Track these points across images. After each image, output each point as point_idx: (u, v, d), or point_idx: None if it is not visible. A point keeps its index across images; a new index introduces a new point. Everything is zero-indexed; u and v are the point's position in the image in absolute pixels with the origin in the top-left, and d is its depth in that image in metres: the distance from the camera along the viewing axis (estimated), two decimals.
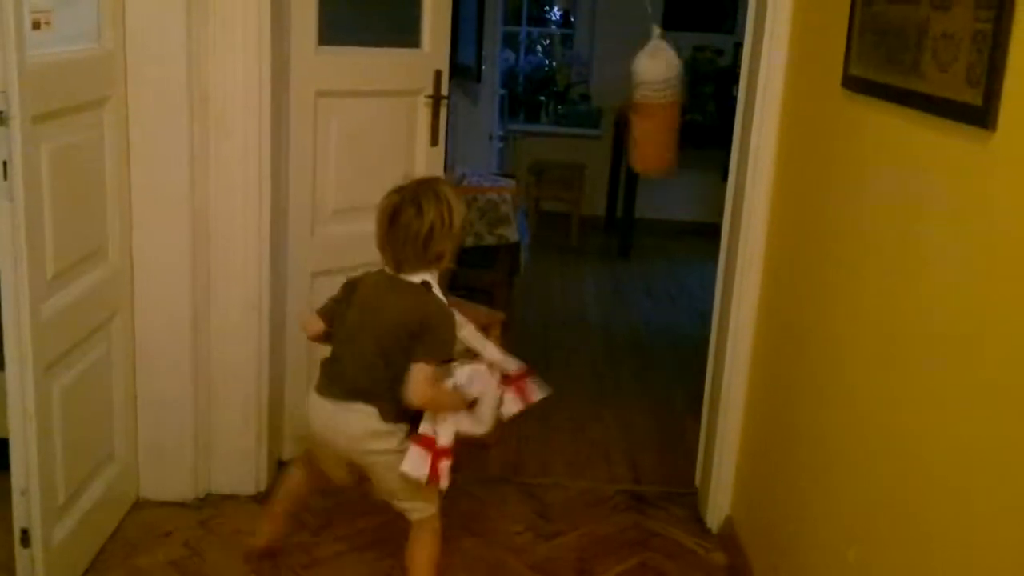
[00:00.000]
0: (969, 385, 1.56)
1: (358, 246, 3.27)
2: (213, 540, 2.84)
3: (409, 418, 2.32)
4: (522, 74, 7.64)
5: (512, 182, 5.12)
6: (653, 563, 2.87)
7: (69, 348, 2.48)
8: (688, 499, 3.22)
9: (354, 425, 2.31)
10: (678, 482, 3.35)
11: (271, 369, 3.05)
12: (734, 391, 2.96)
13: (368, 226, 3.26)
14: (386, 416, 2.29)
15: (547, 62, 7.77)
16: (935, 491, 1.66)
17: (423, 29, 3.34)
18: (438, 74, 3.38)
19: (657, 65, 3.53)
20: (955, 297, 1.63)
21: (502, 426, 2.53)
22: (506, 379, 2.47)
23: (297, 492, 2.61)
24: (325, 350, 2.45)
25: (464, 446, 3.46)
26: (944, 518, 1.62)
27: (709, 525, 3.06)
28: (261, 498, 3.06)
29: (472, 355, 2.44)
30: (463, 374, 2.35)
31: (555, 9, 7.93)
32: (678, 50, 6.66)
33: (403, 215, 2.25)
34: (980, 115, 1.52)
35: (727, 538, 2.95)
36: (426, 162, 3.44)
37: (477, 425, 2.40)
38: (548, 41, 7.90)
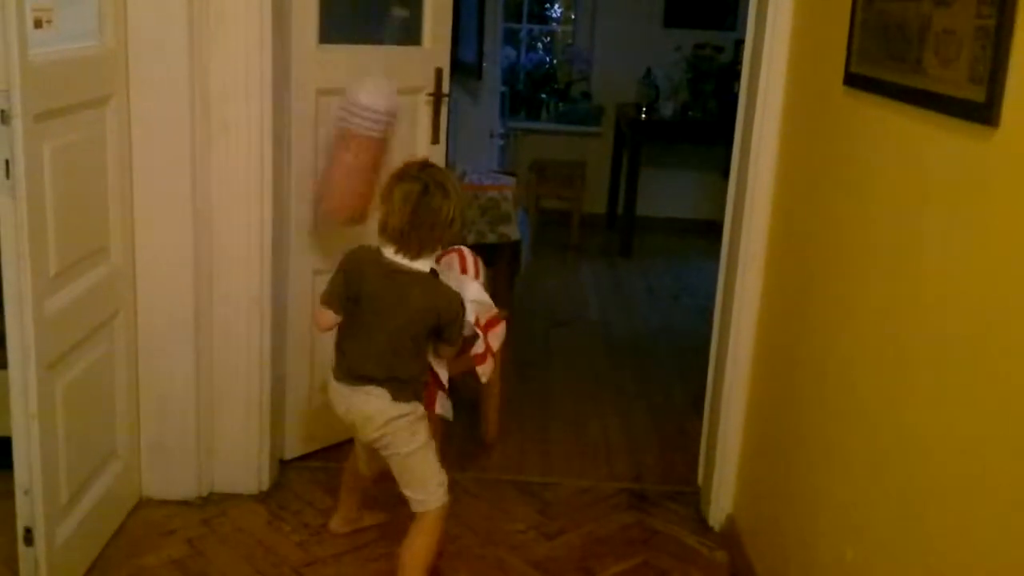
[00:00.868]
0: (972, 383, 1.56)
1: (359, 243, 3.28)
2: (216, 539, 2.84)
3: (419, 397, 2.47)
4: (523, 71, 7.63)
5: (513, 180, 5.12)
6: (655, 562, 2.87)
7: (72, 346, 2.48)
8: (690, 498, 3.22)
9: (370, 405, 2.40)
10: (680, 481, 3.35)
11: (273, 368, 3.05)
12: (736, 389, 2.96)
13: (370, 223, 3.29)
14: (398, 397, 2.39)
15: (548, 59, 7.77)
16: (936, 490, 1.66)
17: (424, 27, 3.34)
18: (439, 72, 3.38)
19: (382, 93, 2.91)
20: (958, 295, 1.63)
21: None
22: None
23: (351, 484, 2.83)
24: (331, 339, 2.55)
25: (465, 446, 3.47)
26: (945, 518, 1.62)
27: (711, 524, 3.06)
28: (264, 497, 3.06)
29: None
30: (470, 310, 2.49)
31: (556, 6, 7.93)
32: (678, 47, 6.72)
33: (433, 199, 2.28)
34: (983, 112, 1.51)
35: (729, 537, 2.95)
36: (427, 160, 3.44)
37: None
38: (549, 38, 7.89)
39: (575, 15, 7.59)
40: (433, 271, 2.38)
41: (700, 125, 6.56)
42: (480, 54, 6.02)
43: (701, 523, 3.08)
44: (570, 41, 7.65)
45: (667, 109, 6.62)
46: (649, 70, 6.66)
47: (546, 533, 2.98)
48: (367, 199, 2.94)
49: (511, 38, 7.61)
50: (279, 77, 2.89)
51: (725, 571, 2.84)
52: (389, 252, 2.36)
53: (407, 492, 2.47)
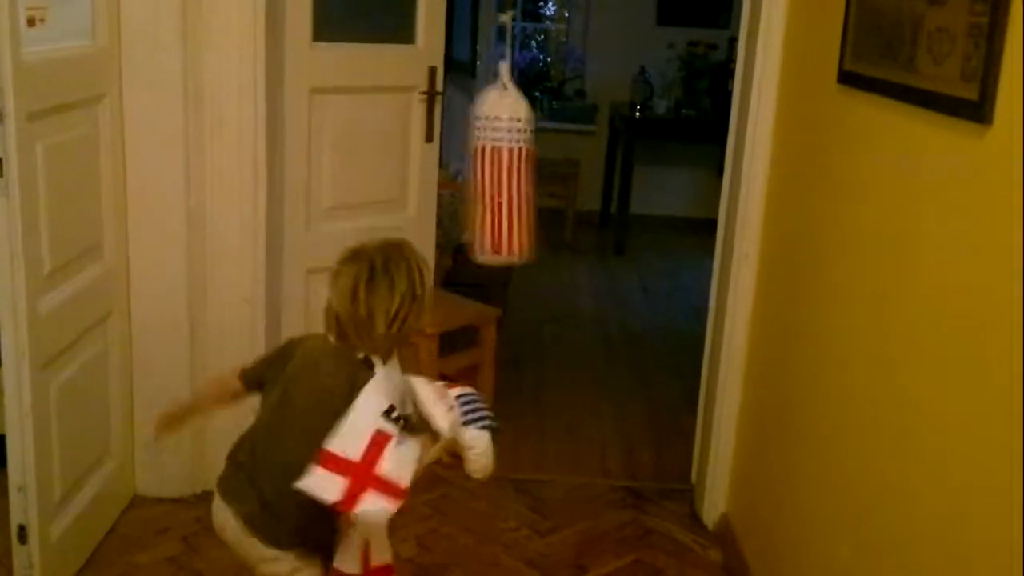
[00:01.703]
0: (967, 380, 1.57)
1: (353, 243, 3.28)
2: (210, 536, 2.83)
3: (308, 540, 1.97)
4: (516, 69, 7.63)
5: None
6: (649, 560, 2.87)
7: (66, 345, 2.48)
8: (684, 495, 3.23)
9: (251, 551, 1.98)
10: (674, 478, 3.35)
11: None
12: (730, 387, 2.96)
13: (363, 222, 3.29)
14: (284, 543, 1.94)
15: (542, 57, 7.77)
16: (931, 489, 1.66)
17: (417, 25, 3.34)
18: (432, 70, 3.38)
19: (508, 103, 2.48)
20: (952, 292, 1.63)
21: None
22: None
23: None
24: None
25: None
26: (939, 516, 1.63)
27: (705, 522, 3.06)
28: None
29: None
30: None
31: (549, 4, 7.92)
32: (671, 45, 6.72)
33: (376, 288, 1.85)
34: (975, 109, 1.52)
35: (723, 535, 2.96)
36: (421, 158, 3.44)
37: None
38: (543, 36, 7.89)
39: (568, 13, 7.59)
40: (367, 359, 1.89)
41: (694, 123, 6.56)
42: (474, 52, 6.01)
43: (695, 521, 3.09)
44: (564, 39, 7.65)
45: (661, 107, 6.63)
46: (643, 68, 6.66)
47: (540, 531, 2.98)
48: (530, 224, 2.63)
49: (504, 35, 7.60)
50: (272, 76, 2.89)
51: (719, 569, 2.85)
52: (331, 336, 1.93)
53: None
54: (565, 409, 3.92)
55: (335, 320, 1.89)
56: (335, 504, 1.75)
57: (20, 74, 2.13)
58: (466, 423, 1.97)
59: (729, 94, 3.07)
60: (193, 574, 2.66)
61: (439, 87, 3.41)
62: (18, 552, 2.37)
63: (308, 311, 3.23)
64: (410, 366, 2.04)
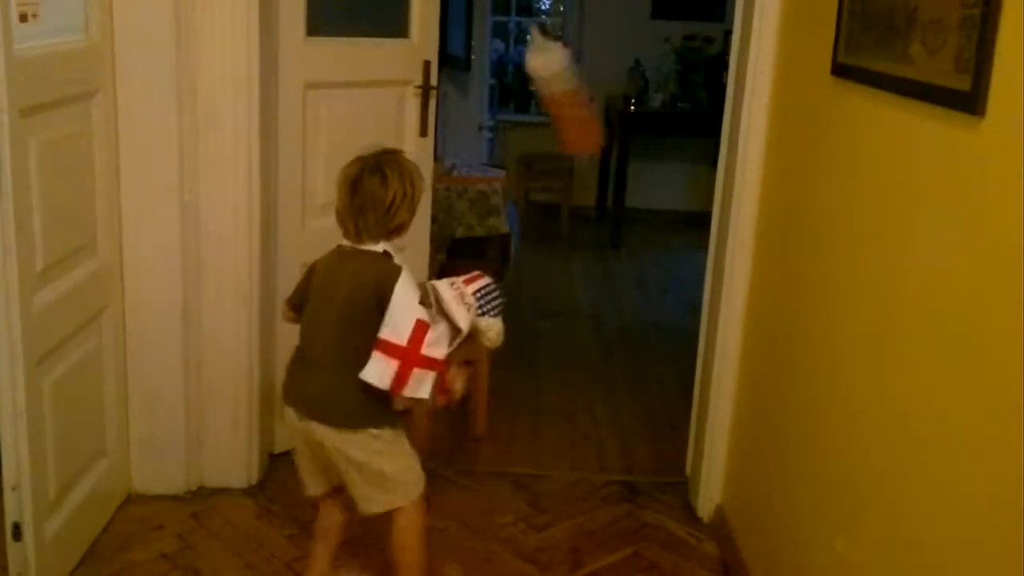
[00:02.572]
0: (960, 373, 1.57)
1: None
2: (206, 533, 2.84)
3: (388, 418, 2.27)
4: (512, 64, 7.62)
5: (502, 173, 5.12)
6: (644, 553, 2.87)
7: (59, 342, 2.47)
8: (679, 488, 3.23)
9: (325, 434, 2.25)
10: (669, 472, 3.35)
11: (262, 362, 3.04)
12: (724, 381, 2.96)
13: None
14: (362, 419, 2.23)
15: None
16: (925, 481, 1.67)
17: (412, 19, 3.33)
18: (427, 64, 3.37)
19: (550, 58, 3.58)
20: (945, 284, 1.63)
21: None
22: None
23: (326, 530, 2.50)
24: None
25: (454, 439, 3.47)
26: (933, 508, 1.63)
27: (700, 514, 3.07)
28: (253, 491, 3.06)
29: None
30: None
31: None
32: (666, 38, 6.72)
33: (367, 183, 2.19)
34: (969, 101, 1.52)
35: (718, 527, 2.96)
36: (416, 153, 3.43)
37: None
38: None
39: (563, 7, 7.57)
40: (386, 252, 2.23)
41: (689, 116, 6.56)
42: (469, 47, 6.01)
43: (690, 513, 3.09)
44: (559, 33, 7.64)
45: (656, 101, 6.62)
46: (638, 62, 6.66)
47: (536, 525, 2.99)
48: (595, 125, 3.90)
49: (500, 30, 7.59)
50: (267, 70, 2.89)
51: (714, 562, 2.85)
52: (345, 242, 2.26)
53: (378, 498, 2.29)
54: (560, 403, 3.92)
55: (336, 215, 2.23)
56: (391, 388, 2.15)
57: (12, 70, 2.12)
58: (483, 313, 2.32)
59: (724, 87, 3.07)
60: (189, 571, 2.66)
61: (434, 81, 3.40)
62: (13, 550, 2.37)
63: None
64: None
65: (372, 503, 2.31)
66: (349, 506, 2.40)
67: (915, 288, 1.74)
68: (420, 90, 3.37)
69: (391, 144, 3.30)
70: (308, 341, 2.30)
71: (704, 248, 3.18)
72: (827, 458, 2.14)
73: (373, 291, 2.18)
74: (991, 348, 1.46)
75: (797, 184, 2.51)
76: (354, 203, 2.20)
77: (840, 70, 2.17)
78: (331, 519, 2.47)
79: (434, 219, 3.75)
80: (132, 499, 2.97)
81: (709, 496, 3.04)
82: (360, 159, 2.24)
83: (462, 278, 2.34)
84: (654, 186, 7.09)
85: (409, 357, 2.14)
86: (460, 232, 4.68)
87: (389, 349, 2.15)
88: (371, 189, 2.19)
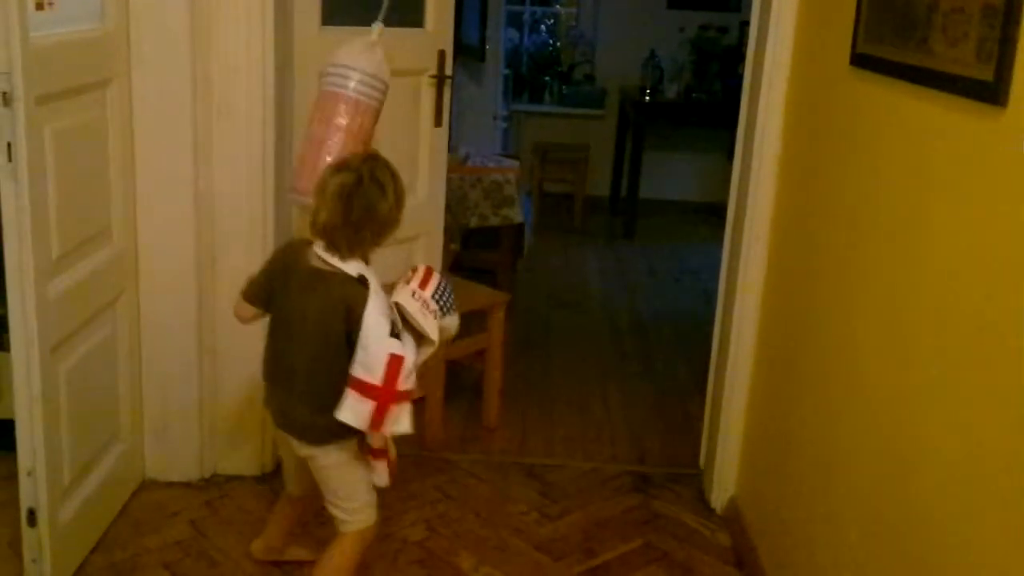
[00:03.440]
0: (978, 364, 1.56)
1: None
2: (219, 520, 2.85)
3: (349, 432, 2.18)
4: (526, 54, 7.60)
5: (516, 163, 5.11)
6: (657, 544, 2.87)
7: (74, 329, 2.48)
8: (692, 480, 3.23)
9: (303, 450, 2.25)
10: (682, 463, 3.35)
11: None
12: (739, 372, 2.95)
13: None
14: (330, 437, 2.18)
15: (552, 41, 7.74)
16: (941, 472, 1.66)
17: (426, 9, 3.33)
18: (442, 54, 3.36)
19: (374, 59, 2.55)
20: (964, 275, 1.62)
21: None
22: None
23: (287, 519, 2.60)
24: None
25: (467, 429, 3.47)
26: (949, 500, 1.62)
27: (713, 506, 3.06)
28: (267, 479, 3.07)
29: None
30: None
31: None
32: (682, 28, 6.70)
33: (367, 194, 2.05)
34: (990, 91, 1.50)
35: (731, 519, 2.96)
36: (430, 142, 3.43)
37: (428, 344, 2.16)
38: (552, 20, 7.85)
39: None
40: (361, 278, 2.10)
41: (704, 107, 6.53)
42: (483, 36, 5.99)
43: (704, 505, 3.09)
44: (574, 23, 7.61)
45: (671, 91, 6.60)
46: (653, 52, 6.63)
47: (548, 515, 2.99)
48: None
49: (514, 20, 7.57)
50: (281, 60, 2.88)
51: (728, 553, 2.85)
52: (319, 249, 2.12)
53: (338, 510, 2.28)
54: (574, 393, 3.92)
55: (322, 229, 2.08)
56: (368, 428, 2.08)
57: (28, 58, 2.12)
58: (444, 315, 2.17)
59: (740, 78, 3.05)
60: (202, 557, 2.67)
61: (448, 71, 3.40)
62: (28, 535, 2.38)
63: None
64: None
65: (333, 508, 2.29)
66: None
67: (934, 279, 1.73)
68: (435, 79, 3.37)
69: (405, 134, 3.34)
70: (279, 362, 2.22)
71: (718, 239, 3.17)
72: (841, 450, 2.13)
73: (343, 318, 2.08)
74: (1011, 339, 1.45)
75: (814, 175, 2.50)
76: (350, 217, 2.05)
77: (859, 60, 2.16)
78: (291, 507, 2.56)
79: (448, 209, 3.74)
80: (146, 485, 2.98)
81: (723, 487, 3.03)
82: (348, 168, 2.09)
83: (416, 281, 2.17)
84: (668, 177, 7.07)
85: (385, 395, 2.04)
86: (474, 222, 4.68)
87: (364, 389, 2.04)
88: (371, 202, 2.06)
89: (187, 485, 3.00)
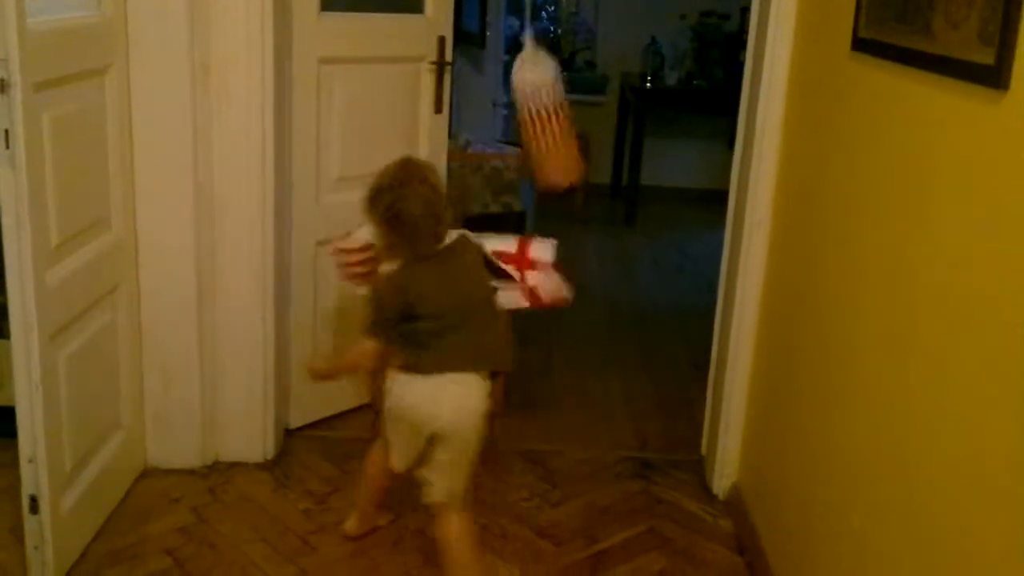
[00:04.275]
0: (979, 351, 1.55)
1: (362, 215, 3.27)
2: (221, 507, 2.85)
3: None
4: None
5: (517, 150, 5.09)
6: (659, 530, 2.87)
7: (74, 317, 2.48)
8: (694, 466, 3.23)
9: (472, 398, 2.33)
10: (684, 449, 3.35)
11: (276, 337, 3.05)
12: (740, 359, 2.95)
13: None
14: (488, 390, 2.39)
15: (552, 28, 7.70)
16: (941, 458, 1.65)
17: None
18: (442, 40, 3.35)
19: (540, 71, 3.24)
20: (967, 261, 1.61)
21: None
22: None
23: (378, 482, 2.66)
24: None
25: None
26: (949, 487, 1.62)
27: (715, 492, 3.06)
28: (269, 465, 3.07)
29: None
30: None
31: None
32: (683, 15, 6.67)
33: (422, 193, 2.25)
34: (992, 75, 1.49)
35: (733, 505, 2.96)
36: (430, 129, 3.43)
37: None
38: (553, 7, 7.82)
39: None
40: (463, 234, 2.41)
41: (705, 94, 6.51)
42: (483, 23, 5.97)
43: (705, 491, 3.09)
44: (574, 10, 7.58)
45: (672, 78, 6.58)
46: (654, 39, 6.61)
47: (550, 501, 2.99)
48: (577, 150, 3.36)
49: (514, 7, 7.54)
50: (280, 46, 2.87)
51: (730, 539, 2.85)
52: (425, 252, 2.30)
53: (452, 485, 2.38)
54: (575, 380, 3.91)
55: (412, 233, 2.26)
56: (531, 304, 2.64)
57: (25, 44, 2.11)
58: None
59: (741, 65, 3.04)
60: (204, 544, 2.67)
61: (448, 57, 3.38)
62: (29, 523, 2.38)
63: (317, 282, 3.23)
64: None
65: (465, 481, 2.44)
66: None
67: (936, 265, 1.73)
68: (435, 66, 3.35)
69: (405, 120, 3.33)
70: (466, 345, 2.32)
71: (719, 226, 3.16)
72: (843, 436, 2.13)
73: (483, 262, 2.45)
74: (1012, 325, 1.44)
75: (816, 161, 2.49)
76: (427, 214, 2.25)
77: (860, 45, 2.14)
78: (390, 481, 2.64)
79: (449, 197, 3.73)
80: (148, 473, 2.98)
81: (725, 474, 3.03)
82: (391, 184, 2.26)
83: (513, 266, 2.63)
84: (669, 164, 7.05)
85: (521, 263, 2.59)
86: (475, 209, 4.66)
87: (503, 258, 2.57)
88: (428, 195, 2.26)
89: (189, 472, 3.00)
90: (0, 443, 2.66)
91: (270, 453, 3.10)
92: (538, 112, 3.19)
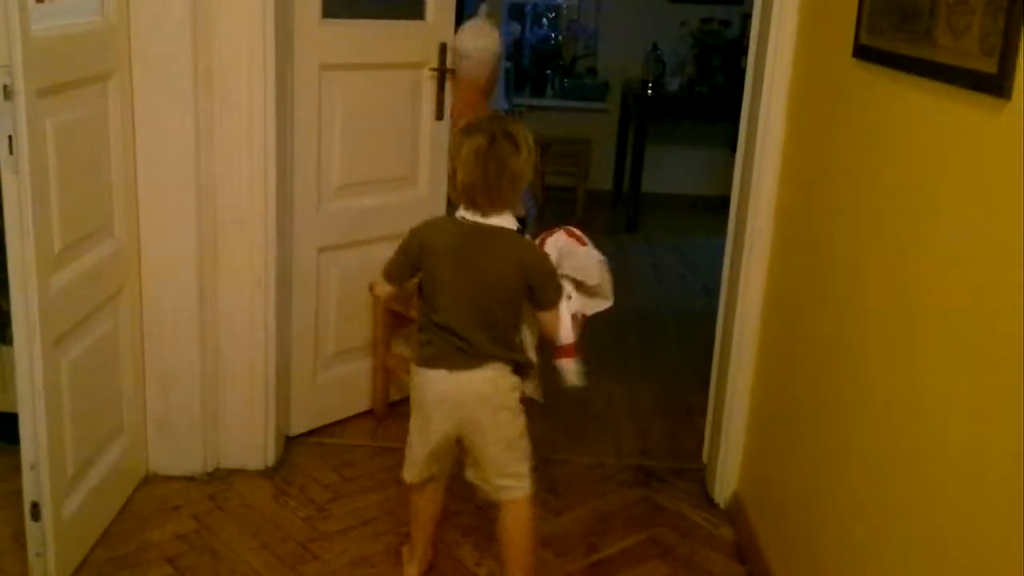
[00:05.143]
0: (984, 359, 1.55)
1: (364, 221, 3.28)
2: (222, 514, 2.85)
3: (521, 373, 2.38)
4: (528, 47, 7.58)
5: None
6: (660, 538, 2.87)
7: (77, 322, 2.48)
8: (696, 474, 3.22)
9: (486, 384, 2.28)
10: (685, 457, 3.34)
11: (278, 344, 3.05)
12: (742, 366, 2.95)
13: (373, 201, 3.28)
14: (506, 368, 2.31)
15: (553, 35, 7.72)
16: (945, 470, 1.65)
17: (427, 1, 3.32)
18: (443, 46, 3.35)
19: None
20: (970, 268, 1.61)
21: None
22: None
23: (428, 515, 2.55)
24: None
25: None
26: (953, 497, 1.62)
27: (717, 500, 3.06)
28: (270, 472, 3.07)
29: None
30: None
31: None
32: (684, 22, 6.67)
33: (501, 150, 2.16)
34: (995, 83, 1.50)
35: (735, 513, 2.96)
36: (431, 136, 3.43)
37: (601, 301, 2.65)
38: (554, 13, 7.83)
39: None
40: (519, 229, 2.27)
41: (707, 100, 6.52)
42: None
43: (707, 500, 3.09)
44: (575, 16, 7.59)
45: (673, 84, 6.58)
46: (655, 45, 6.62)
47: (552, 509, 2.98)
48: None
49: (516, 13, 7.55)
50: (282, 52, 2.87)
51: (731, 547, 2.85)
52: (462, 212, 2.23)
53: (503, 481, 2.34)
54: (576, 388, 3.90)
55: (462, 189, 2.19)
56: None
57: (29, 51, 2.12)
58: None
59: (742, 71, 3.04)
60: (206, 551, 2.67)
61: (450, 64, 3.39)
62: (31, 529, 2.38)
63: (319, 289, 3.23)
64: None
65: (504, 479, 2.39)
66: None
67: (938, 273, 1.73)
68: (436, 72, 3.36)
69: (406, 127, 3.33)
70: (455, 328, 2.25)
71: (721, 233, 3.16)
72: (846, 446, 2.13)
73: (523, 278, 2.25)
74: (1016, 333, 1.44)
75: (817, 168, 2.49)
76: (488, 173, 2.15)
77: (862, 52, 2.15)
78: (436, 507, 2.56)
79: (450, 203, 3.73)
80: (149, 479, 2.98)
81: (726, 482, 3.03)
82: (479, 128, 2.20)
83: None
84: (671, 170, 7.05)
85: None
86: None
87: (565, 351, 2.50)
88: (505, 156, 2.16)
89: (191, 479, 3.00)
90: (2, 449, 2.67)
91: (271, 460, 3.10)
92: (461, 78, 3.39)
